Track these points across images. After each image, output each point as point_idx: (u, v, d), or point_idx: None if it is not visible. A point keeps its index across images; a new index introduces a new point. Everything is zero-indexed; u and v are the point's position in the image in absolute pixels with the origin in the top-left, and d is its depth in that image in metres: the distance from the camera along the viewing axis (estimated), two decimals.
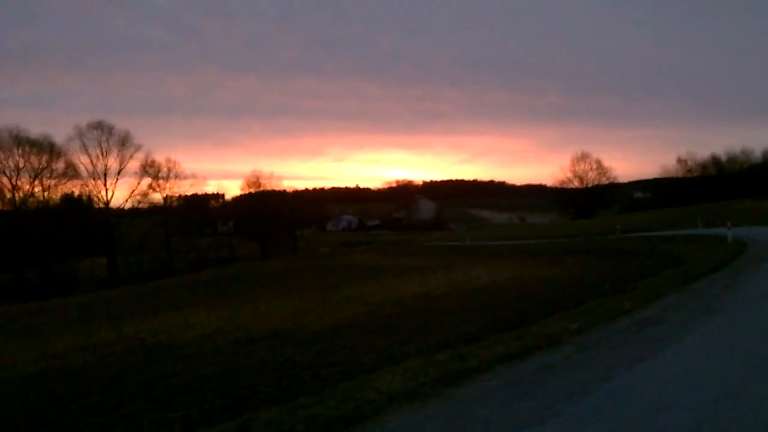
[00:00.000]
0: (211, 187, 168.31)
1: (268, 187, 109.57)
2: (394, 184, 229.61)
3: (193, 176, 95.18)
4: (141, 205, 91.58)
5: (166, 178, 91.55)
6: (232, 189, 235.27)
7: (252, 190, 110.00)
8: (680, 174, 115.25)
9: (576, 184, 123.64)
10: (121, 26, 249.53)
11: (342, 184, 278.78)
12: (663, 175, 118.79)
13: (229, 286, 46.90)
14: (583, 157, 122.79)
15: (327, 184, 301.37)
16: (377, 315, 18.15)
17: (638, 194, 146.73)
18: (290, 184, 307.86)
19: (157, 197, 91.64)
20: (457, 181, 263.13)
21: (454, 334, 12.43)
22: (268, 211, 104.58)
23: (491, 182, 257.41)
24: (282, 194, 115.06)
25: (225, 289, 44.25)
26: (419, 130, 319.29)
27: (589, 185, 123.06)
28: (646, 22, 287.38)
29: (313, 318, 18.89)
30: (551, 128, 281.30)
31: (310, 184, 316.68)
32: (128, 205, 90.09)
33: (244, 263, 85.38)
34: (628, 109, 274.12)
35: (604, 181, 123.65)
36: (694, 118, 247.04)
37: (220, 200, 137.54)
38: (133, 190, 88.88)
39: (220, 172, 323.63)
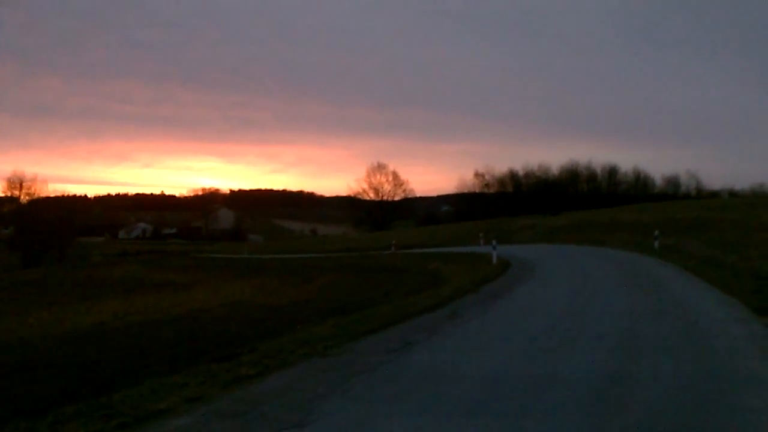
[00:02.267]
0: None
1: (34, 191, 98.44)
2: (201, 192, 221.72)
3: None
4: None
5: None
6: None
7: (12, 193, 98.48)
8: (477, 188, 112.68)
9: (371, 195, 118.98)
10: None
11: (149, 191, 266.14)
12: (460, 189, 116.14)
13: None
14: (380, 168, 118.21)
15: (134, 191, 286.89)
16: None
17: (445, 208, 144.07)
18: (94, 190, 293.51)
19: None
20: (266, 190, 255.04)
21: None
22: (33, 217, 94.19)
23: (300, 193, 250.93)
24: (52, 200, 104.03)
25: None
26: (232, 138, 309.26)
27: (385, 197, 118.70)
28: (456, 39, 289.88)
29: None
30: (366, 140, 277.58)
31: (120, 190, 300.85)
32: None
33: None
34: (444, 123, 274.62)
35: (401, 193, 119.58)
36: (508, 135, 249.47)
37: (15, 204, 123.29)
38: None
39: (21, 174, 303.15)
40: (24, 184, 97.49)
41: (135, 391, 7.91)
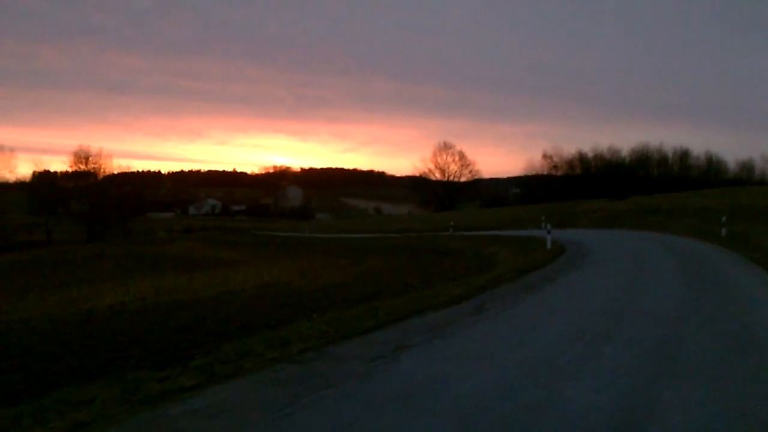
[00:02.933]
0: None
1: (99, 165, 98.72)
2: (272, 170, 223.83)
3: None
4: None
5: None
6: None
7: (78, 168, 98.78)
8: (545, 170, 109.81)
9: (437, 175, 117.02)
10: None
11: (221, 168, 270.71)
12: (528, 171, 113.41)
13: None
14: (446, 147, 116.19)
15: (207, 167, 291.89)
16: None
17: (515, 190, 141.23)
18: (168, 166, 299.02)
19: None
20: (337, 169, 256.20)
21: None
22: (98, 193, 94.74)
23: (370, 172, 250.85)
24: (117, 176, 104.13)
25: None
26: (304, 116, 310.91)
27: (451, 178, 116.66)
28: (528, 22, 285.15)
29: None
30: (436, 120, 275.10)
31: (193, 166, 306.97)
32: None
33: (52, 247, 75.83)
34: (512, 104, 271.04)
35: (467, 173, 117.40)
36: (578, 117, 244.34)
37: (91, 179, 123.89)
38: None
39: (98, 150, 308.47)
40: (90, 158, 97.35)
41: (26, 409, 6.41)
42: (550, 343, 9.39)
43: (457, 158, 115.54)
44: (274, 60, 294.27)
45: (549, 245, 29.38)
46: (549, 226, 31.28)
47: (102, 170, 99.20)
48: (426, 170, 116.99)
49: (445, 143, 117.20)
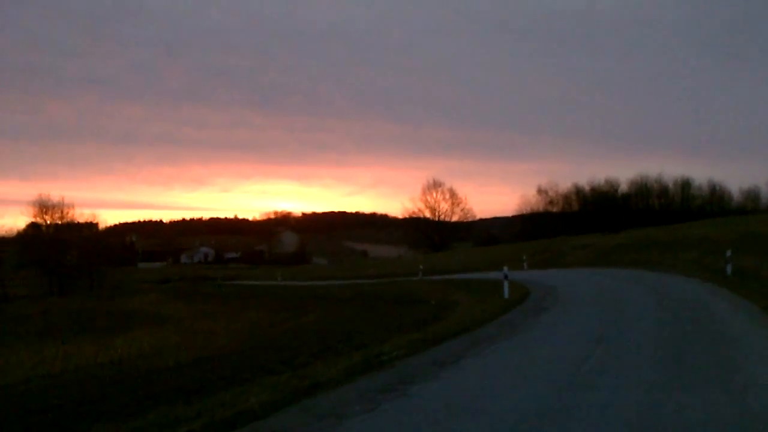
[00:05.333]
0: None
1: (64, 216, 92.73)
2: (272, 216, 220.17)
3: None
4: None
5: None
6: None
7: (44, 219, 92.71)
8: (541, 206, 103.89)
9: (428, 214, 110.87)
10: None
11: (223, 215, 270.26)
12: (523, 208, 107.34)
13: None
14: (435, 186, 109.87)
15: (210, 215, 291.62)
16: None
17: (520, 227, 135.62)
18: (171, 215, 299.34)
19: None
20: (338, 213, 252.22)
21: None
22: (57, 243, 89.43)
23: (373, 215, 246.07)
24: (82, 225, 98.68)
25: None
26: (307, 161, 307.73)
27: (442, 217, 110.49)
28: (526, 59, 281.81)
29: None
30: (440, 160, 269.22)
31: (195, 215, 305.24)
32: None
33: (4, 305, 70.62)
34: (516, 143, 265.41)
35: (459, 212, 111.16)
36: (581, 152, 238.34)
37: (94, 230, 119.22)
38: None
39: (102, 201, 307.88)
40: (53, 208, 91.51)
41: None
42: None
43: (447, 196, 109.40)
44: (277, 106, 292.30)
45: (506, 294, 23.64)
46: (506, 269, 25.00)
47: (65, 220, 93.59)
48: (416, 210, 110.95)
49: (434, 181, 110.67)
